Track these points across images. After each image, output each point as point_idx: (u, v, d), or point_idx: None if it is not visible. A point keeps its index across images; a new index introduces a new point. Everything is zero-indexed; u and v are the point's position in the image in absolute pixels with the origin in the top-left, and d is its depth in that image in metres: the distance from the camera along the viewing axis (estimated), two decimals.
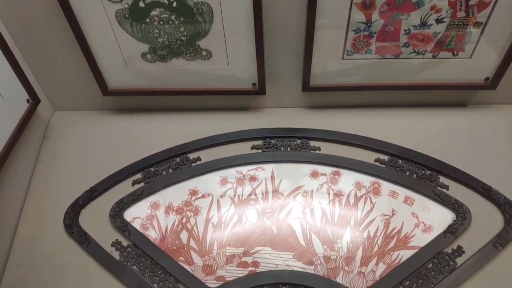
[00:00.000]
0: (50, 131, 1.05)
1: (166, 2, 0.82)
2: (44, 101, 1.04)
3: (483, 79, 0.94)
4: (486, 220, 0.84)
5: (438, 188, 0.89)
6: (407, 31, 0.85)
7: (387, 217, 0.86)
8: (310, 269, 0.81)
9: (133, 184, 0.94)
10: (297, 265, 0.81)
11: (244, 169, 0.94)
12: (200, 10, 0.83)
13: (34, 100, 0.96)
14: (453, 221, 0.84)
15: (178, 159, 0.97)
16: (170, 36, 0.88)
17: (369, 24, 0.84)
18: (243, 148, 0.97)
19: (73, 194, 0.92)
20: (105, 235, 0.87)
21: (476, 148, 0.94)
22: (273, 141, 0.98)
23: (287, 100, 1.03)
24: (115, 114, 1.07)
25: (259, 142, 0.98)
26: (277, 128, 0.99)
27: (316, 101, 1.03)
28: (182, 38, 0.88)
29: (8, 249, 0.88)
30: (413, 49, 0.89)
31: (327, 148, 0.95)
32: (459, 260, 0.79)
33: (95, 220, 0.90)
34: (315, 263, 0.81)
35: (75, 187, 0.94)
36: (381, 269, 0.80)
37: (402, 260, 0.80)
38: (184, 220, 0.88)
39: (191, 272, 0.82)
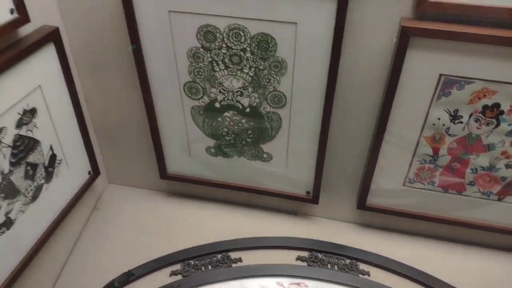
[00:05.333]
0: (101, 203, 1.07)
1: (240, 107, 0.86)
2: (101, 173, 1.08)
3: None
4: None
5: None
6: (474, 171, 0.84)
7: None
8: None
9: (170, 275, 0.92)
10: None
11: (285, 282, 0.90)
12: (270, 118, 0.86)
13: (95, 172, 0.99)
14: None
15: (219, 256, 0.95)
16: (237, 136, 0.91)
17: (435, 158, 0.84)
18: (288, 256, 0.94)
19: (111, 273, 0.91)
20: None
21: None
22: (320, 255, 0.94)
23: (340, 214, 1.01)
24: (166, 196, 1.09)
25: (305, 254, 0.94)
26: (326, 242, 0.96)
27: (370, 220, 1.00)
28: (248, 139, 0.91)
29: None
30: (478, 189, 0.86)
31: (377, 274, 0.90)
32: None
33: None
34: None
35: (113, 266, 0.92)
36: None
37: None
38: None
39: None
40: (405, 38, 0.69)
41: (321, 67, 0.75)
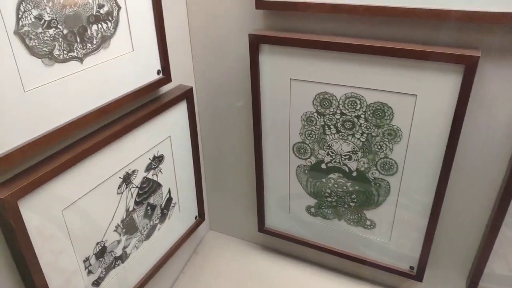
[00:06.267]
0: (201, 248, 1.12)
1: (347, 170, 0.86)
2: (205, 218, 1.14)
3: None
4: None
5: None
6: None
7: None
8: None
9: None
10: None
11: None
12: (377, 184, 0.85)
13: (201, 217, 1.05)
14: None
15: None
16: (339, 199, 0.91)
17: None
18: None
19: None
20: None
21: None
22: None
23: None
24: (262, 250, 1.10)
25: None
26: None
27: None
28: (351, 203, 0.90)
29: None
30: None
31: None
32: None
33: None
34: None
35: None
36: None
37: None
38: None
39: None
40: None
41: (440, 138, 0.74)
